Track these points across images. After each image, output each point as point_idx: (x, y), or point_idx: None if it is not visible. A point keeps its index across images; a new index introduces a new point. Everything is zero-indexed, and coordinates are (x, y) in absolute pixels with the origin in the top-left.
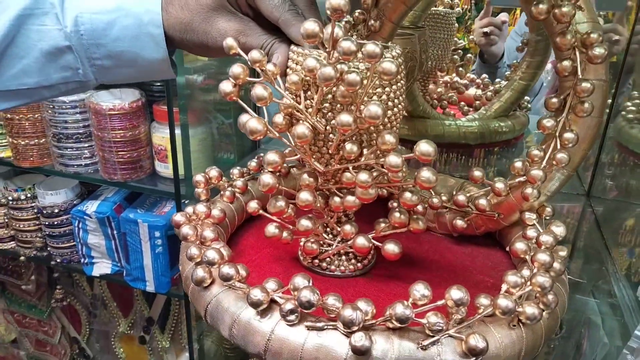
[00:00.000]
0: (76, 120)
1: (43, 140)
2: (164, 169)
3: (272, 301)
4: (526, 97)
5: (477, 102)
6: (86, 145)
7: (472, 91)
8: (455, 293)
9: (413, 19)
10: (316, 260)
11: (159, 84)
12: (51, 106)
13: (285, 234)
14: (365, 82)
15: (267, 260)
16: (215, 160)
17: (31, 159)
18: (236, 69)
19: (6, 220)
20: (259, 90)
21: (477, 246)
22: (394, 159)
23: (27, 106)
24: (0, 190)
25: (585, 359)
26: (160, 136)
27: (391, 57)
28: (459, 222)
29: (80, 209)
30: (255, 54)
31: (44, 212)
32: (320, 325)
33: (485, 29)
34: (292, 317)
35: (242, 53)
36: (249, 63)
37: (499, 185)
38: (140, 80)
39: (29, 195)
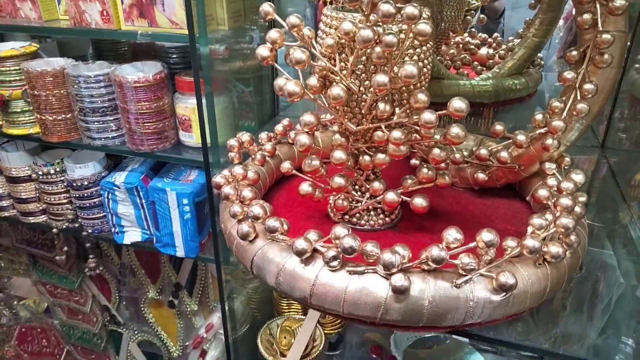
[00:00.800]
0: (101, 94)
1: (70, 115)
2: (189, 138)
3: (315, 250)
4: (539, 54)
5: (490, 61)
6: (112, 118)
7: (484, 51)
8: (486, 235)
9: None
10: (346, 216)
11: (177, 55)
12: (77, 81)
13: (317, 192)
14: (401, 43)
15: (300, 218)
16: (237, 128)
17: (59, 133)
18: (273, 34)
19: (37, 194)
20: (297, 54)
21: (498, 197)
22: (428, 116)
23: (53, 82)
24: (30, 165)
25: (601, 299)
26: (184, 106)
27: (426, 16)
28: (481, 175)
29: (109, 180)
30: (293, 19)
31: (74, 184)
32: (361, 269)
33: None
34: (334, 263)
35: (278, 19)
36: (286, 28)
37: (521, 137)
38: None
39: (57, 169)
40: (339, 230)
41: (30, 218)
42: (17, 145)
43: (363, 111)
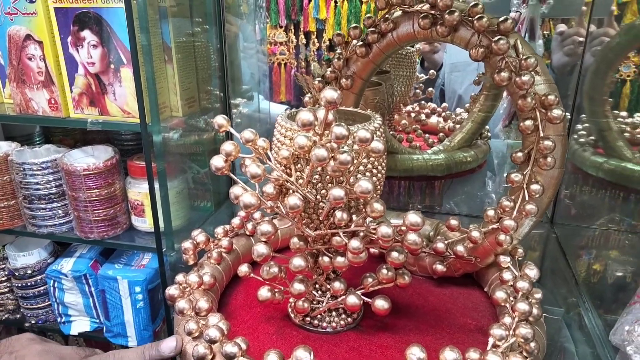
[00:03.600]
0: (48, 180)
1: (13, 202)
2: (142, 223)
3: None
4: (486, 127)
5: (441, 133)
6: (59, 204)
7: (434, 120)
8: (449, 354)
9: None
10: (307, 318)
11: (129, 137)
12: (21, 169)
13: (277, 295)
14: (355, 160)
15: (259, 320)
16: (192, 209)
17: (1, 221)
18: (228, 146)
19: None
20: (253, 169)
21: (457, 287)
22: (385, 230)
23: None
24: None
25: None
26: (136, 191)
27: (375, 130)
28: (439, 267)
29: (55, 268)
30: (247, 134)
31: (16, 274)
32: None
33: None
34: None
35: (234, 132)
36: (241, 141)
37: (475, 233)
38: None
39: None
40: (301, 353)
41: None
42: None
43: (320, 218)
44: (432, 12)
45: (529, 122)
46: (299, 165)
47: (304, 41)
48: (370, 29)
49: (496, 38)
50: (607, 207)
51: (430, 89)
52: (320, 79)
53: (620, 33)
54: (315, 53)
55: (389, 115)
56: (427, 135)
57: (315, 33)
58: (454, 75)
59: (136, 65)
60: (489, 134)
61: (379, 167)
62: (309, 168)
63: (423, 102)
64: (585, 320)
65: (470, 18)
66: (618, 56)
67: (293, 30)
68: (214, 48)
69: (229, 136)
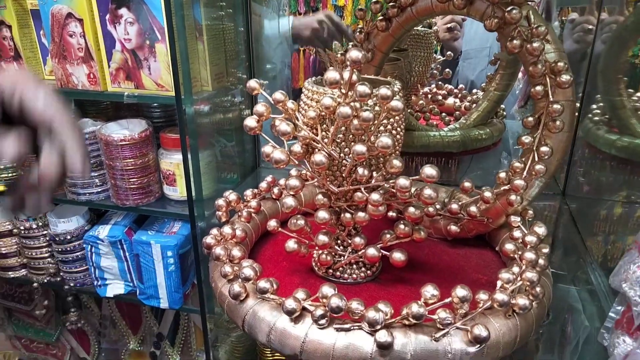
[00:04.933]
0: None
1: None
2: (173, 192)
3: (304, 309)
4: (501, 106)
5: (457, 112)
6: (97, 174)
7: (450, 101)
8: (460, 291)
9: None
10: (330, 270)
11: (160, 112)
12: None
13: (302, 248)
14: (376, 118)
15: (286, 273)
16: (220, 181)
17: None
18: (260, 107)
19: (18, 249)
20: (283, 127)
21: (470, 247)
22: (403, 182)
23: None
24: (11, 220)
25: (570, 341)
26: (168, 162)
27: (396, 92)
28: (453, 228)
29: (93, 234)
30: (278, 95)
31: (57, 239)
32: (347, 326)
33: (449, 25)
34: (322, 322)
35: (265, 94)
36: (272, 102)
37: (487, 194)
38: None
39: (40, 224)
40: (326, 289)
41: (9, 273)
42: None
43: (344, 175)
44: None
45: (539, 88)
46: (324, 125)
47: None
48: (390, 4)
49: (509, 8)
50: (619, 182)
51: (447, 69)
52: (342, 52)
53: (635, 13)
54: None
55: (406, 94)
56: (443, 114)
57: None
58: (467, 62)
59: (172, 42)
60: (505, 113)
61: (398, 128)
62: (334, 127)
63: (440, 82)
64: (591, 278)
65: None
66: (632, 35)
67: None
68: (240, 32)
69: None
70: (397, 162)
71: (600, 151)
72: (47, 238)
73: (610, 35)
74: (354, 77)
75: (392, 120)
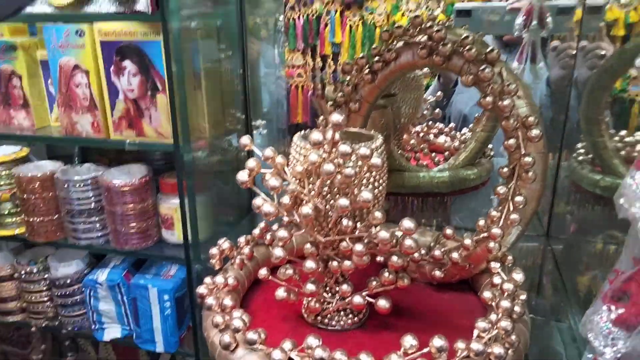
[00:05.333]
0: (88, 197)
1: (56, 216)
2: (170, 235)
3: (290, 359)
4: (489, 145)
5: (447, 152)
6: (97, 218)
7: (442, 139)
8: (437, 341)
9: None
10: (319, 317)
11: (160, 155)
12: (65, 186)
13: (292, 295)
14: (357, 175)
15: (277, 320)
16: (216, 223)
17: (45, 234)
18: (251, 162)
19: (17, 293)
20: (272, 181)
21: (454, 292)
22: (383, 234)
23: (42, 186)
24: (12, 265)
25: None
26: (167, 206)
27: (375, 148)
28: (437, 273)
29: (92, 278)
30: (268, 152)
31: (57, 283)
32: None
33: None
34: None
35: (256, 150)
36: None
37: (467, 241)
38: None
39: (40, 268)
40: (311, 340)
41: (8, 317)
42: (0, 244)
43: (330, 225)
44: (429, 43)
45: (512, 141)
46: (311, 179)
47: (320, 64)
48: (376, 58)
49: (482, 67)
50: (603, 222)
51: (437, 109)
52: (332, 102)
53: (614, 56)
54: (331, 75)
55: (397, 136)
56: (433, 154)
57: (331, 56)
58: (459, 97)
59: (172, 94)
60: (492, 153)
61: (380, 180)
62: (319, 181)
63: (431, 122)
64: (572, 322)
65: (461, 49)
66: (612, 78)
67: (310, 54)
68: (237, 73)
69: (250, 154)
70: (378, 214)
71: (584, 190)
72: (47, 282)
73: (591, 78)
74: (337, 137)
75: (373, 174)
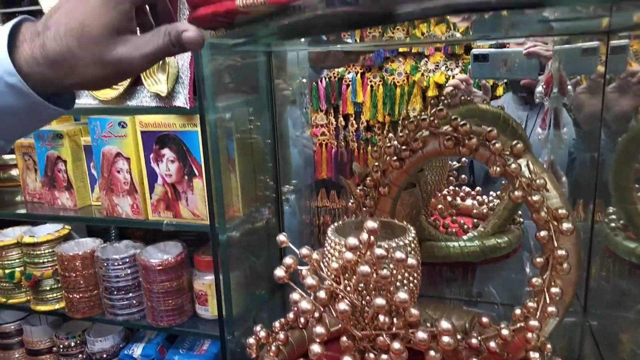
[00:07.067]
0: (126, 274)
1: (95, 292)
2: (204, 311)
3: None
4: (519, 211)
5: (475, 220)
6: (134, 295)
7: (469, 202)
8: None
9: None
10: None
11: (193, 233)
12: (105, 264)
13: None
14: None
15: None
16: (249, 298)
17: (83, 310)
18: (288, 260)
19: None
20: (309, 280)
21: None
22: (421, 335)
23: (83, 264)
24: (51, 338)
25: None
26: (201, 282)
27: (409, 243)
28: None
29: (127, 352)
30: (305, 251)
31: (93, 357)
32: None
33: (450, 88)
34: None
35: (293, 247)
36: (298, 256)
37: (505, 331)
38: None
39: (78, 341)
40: None
41: None
42: (39, 318)
43: (366, 320)
44: (455, 134)
45: (544, 233)
46: (347, 275)
47: (343, 123)
48: (403, 147)
49: (509, 162)
50: None
51: (463, 175)
52: (361, 187)
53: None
54: (354, 133)
55: (425, 204)
56: (462, 221)
57: (353, 115)
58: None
59: (208, 180)
60: (522, 219)
61: (415, 277)
62: (355, 280)
63: (457, 188)
64: None
65: (487, 143)
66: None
67: (333, 113)
68: (267, 142)
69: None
70: (415, 312)
71: (621, 258)
72: (84, 356)
73: (618, 146)
74: (372, 239)
75: (407, 275)
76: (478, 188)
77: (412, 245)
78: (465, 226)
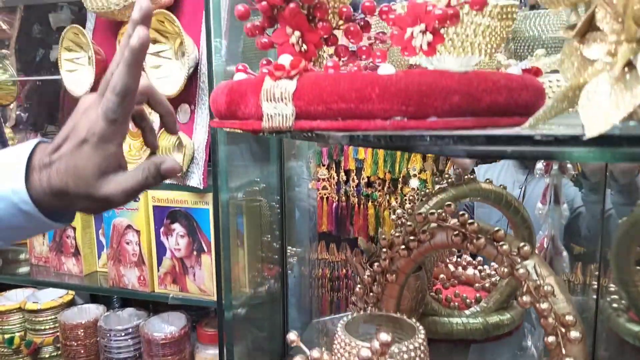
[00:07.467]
0: (128, 345)
1: None
2: None
3: None
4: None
5: (478, 294)
6: None
7: (470, 272)
8: None
9: None
10: None
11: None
12: (107, 334)
13: None
14: None
15: None
16: None
17: None
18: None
19: None
20: None
21: None
22: None
23: (85, 333)
24: None
25: None
26: (204, 357)
27: (418, 346)
28: None
29: None
30: (315, 353)
31: None
32: None
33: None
34: None
35: (304, 348)
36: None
37: None
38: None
39: None
40: None
41: None
42: None
43: None
44: (462, 230)
45: (552, 338)
46: None
47: (344, 178)
48: (411, 237)
49: (517, 267)
50: None
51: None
52: (369, 272)
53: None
54: (355, 189)
55: (428, 278)
56: (464, 295)
57: (354, 171)
58: (480, 211)
59: (218, 258)
60: None
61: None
62: None
63: (458, 259)
64: None
65: (495, 243)
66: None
67: (334, 168)
68: (274, 205)
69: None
70: None
71: (623, 340)
72: None
73: (618, 231)
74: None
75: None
76: (479, 258)
77: (422, 347)
78: (468, 300)
